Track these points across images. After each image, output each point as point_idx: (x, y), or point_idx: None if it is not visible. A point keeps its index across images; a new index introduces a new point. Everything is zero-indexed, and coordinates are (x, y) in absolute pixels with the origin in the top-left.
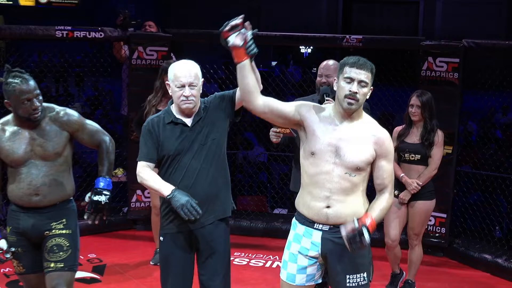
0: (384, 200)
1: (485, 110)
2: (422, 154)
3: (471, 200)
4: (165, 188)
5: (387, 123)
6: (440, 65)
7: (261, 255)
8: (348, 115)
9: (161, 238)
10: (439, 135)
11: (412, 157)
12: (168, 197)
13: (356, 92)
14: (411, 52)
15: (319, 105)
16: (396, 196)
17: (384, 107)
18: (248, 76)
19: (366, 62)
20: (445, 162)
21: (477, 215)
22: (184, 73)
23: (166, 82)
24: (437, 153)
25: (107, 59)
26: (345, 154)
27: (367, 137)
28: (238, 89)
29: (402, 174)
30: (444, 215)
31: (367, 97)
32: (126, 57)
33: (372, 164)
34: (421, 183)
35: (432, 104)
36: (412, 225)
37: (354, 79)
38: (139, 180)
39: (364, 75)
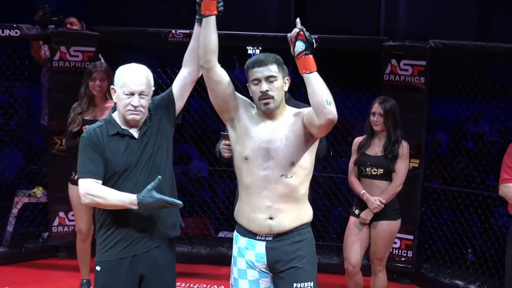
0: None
1: (455, 118)
2: (385, 168)
3: (441, 219)
4: (130, 197)
5: (346, 133)
6: (404, 68)
7: (205, 285)
8: (270, 115)
9: (98, 268)
10: (404, 147)
11: (374, 171)
12: (140, 202)
13: (267, 90)
14: (373, 54)
15: (248, 100)
16: (357, 216)
17: (342, 115)
18: (213, 32)
19: (267, 55)
20: (411, 177)
21: (448, 236)
22: (136, 80)
23: (112, 87)
24: (402, 167)
25: (23, 61)
26: (276, 153)
27: (294, 121)
28: (173, 86)
29: (363, 191)
30: (411, 237)
31: (285, 89)
32: (46, 59)
33: (307, 122)
34: (384, 201)
35: (396, 112)
36: (375, 249)
37: (260, 78)
38: (87, 201)
39: (268, 70)
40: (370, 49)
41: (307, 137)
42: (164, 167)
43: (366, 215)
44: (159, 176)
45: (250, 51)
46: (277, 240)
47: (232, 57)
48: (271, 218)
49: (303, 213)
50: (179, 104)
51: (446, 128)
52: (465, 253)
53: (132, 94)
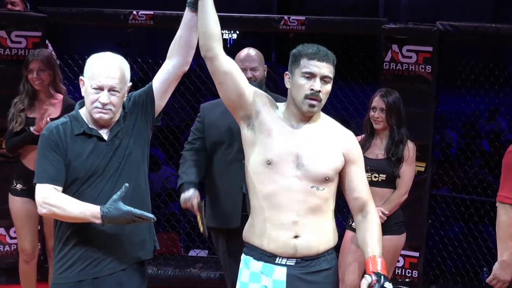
0: (374, 224)
1: (467, 114)
2: (388, 173)
3: (451, 233)
4: (92, 209)
5: None
6: (408, 55)
7: None
8: (307, 118)
9: None
10: (410, 149)
11: (375, 177)
12: (104, 215)
13: (319, 91)
14: (370, 38)
15: (268, 96)
16: (354, 230)
17: (335, 111)
18: (212, 14)
19: (328, 52)
20: (417, 183)
21: (459, 252)
22: (106, 72)
23: (81, 77)
24: (408, 172)
25: None
26: (309, 162)
27: (333, 140)
28: (154, 81)
29: None
30: (417, 254)
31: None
32: None
33: (341, 174)
34: (387, 212)
35: (401, 107)
36: None
37: (316, 74)
38: (44, 210)
39: (327, 69)
40: (367, 33)
41: (342, 162)
42: (136, 176)
43: None
44: (126, 184)
45: (225, 36)
46: (301, 266)
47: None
48: (296, 237)
49: (333, 233)
50: (160, 103)
51: (456, 125)
52: (480, 273)
53: (100, 89)
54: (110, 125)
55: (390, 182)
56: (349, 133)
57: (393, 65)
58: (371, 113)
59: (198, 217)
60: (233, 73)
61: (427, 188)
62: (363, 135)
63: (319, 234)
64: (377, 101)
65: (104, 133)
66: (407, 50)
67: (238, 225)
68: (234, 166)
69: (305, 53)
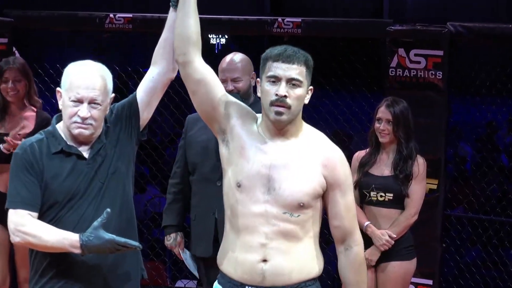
0: (357, 263)
1: (483, 125)
2: (396, 192)
3: (468, 257)
4: (71, 237)
5: (342, 147)
6: (416, 60)
7: None
8: (280, 130)
9: None
10: (420, 164)
11: (381, 196)
12: (83, 244)
13: (286, 96)
14: (374, 42)
15: (246, 108)
16: None
17: (336, 123)
18: (192, 15)
19: (297, 51)
20: (429, 202)
21: (477, 279)
22: (86, 82)
23: (57, 89)
24: (418, 190)
25: None
26: (281, 186)
27: (311, 159)
28: (138, 91)
29: (367, 223)
30: (430, 282)
31: (305, 101)
32: None
33: (324, 197)
34: (394, 236)
35: (409, 118)
36: None
37: (281, 77)
38: (18, 239)
39: (295, 71)
40: (370, 36)
41: (322, 185)
42: (121, 198)
43: (371, 254)
44: (108, 209)
45: (213, 41)
46: None
47: None
48: (264, 261)
49: (311, 262)
50: (146, 115)
51: (471, 137)
52: None
53: (80, 101)
54: (91, 142)
55: (398, 202)
56: (332, 150)
57: (399, 71)
58: (376, 125)
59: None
60: (207, 82)
61: (439, 208)
62: (367, 150)
63: (292, 261)
64: (382, 112)
65: (85, 151)
66: (415, 55)
67: (209, 254)
68: (208, 188)
69: (270, 55)
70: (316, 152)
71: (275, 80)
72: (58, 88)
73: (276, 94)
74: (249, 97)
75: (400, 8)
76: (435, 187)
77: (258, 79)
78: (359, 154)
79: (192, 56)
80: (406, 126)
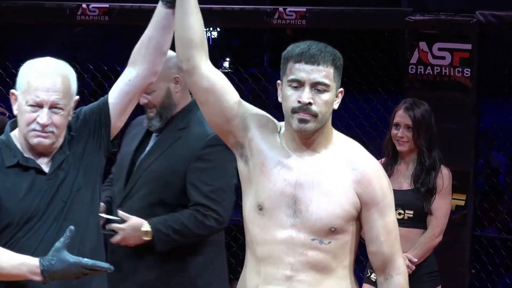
0: None
1: None
2: (417, 209)
3: (502, 285)
4: (29, 262)
5: None
6: (440, 55)
7: None
8: (306, 140)
9: None
10: (445, 176)
11: (400, 214)
12: (44, 269)
13: (311, 103)
14: (391, 35)
15: (266, 116)
16: (374, 284)
17: (347, 129)
18: (193, 13)
19: (323, 49)
20: (456, 221)
21: None
22: (46, 83)
23: (12, 91)
24: (443, 206)
25: None
26: (308, 208)
27: (342, 175)
28: (110, 94)
29: None
30: None
31: (335, 106)
32: None
33: (360, 219)
34: (415, 260)
35: (432, 123)
36: None
37: (304, 81)
38: None
39: (320, 73)
40: (386, 27)
41: (356, 206)
42: (86, 218)
43: None
44: (71, 227)
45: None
46: None
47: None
48: None
49: None
50: (118, 123)
51: (505, 145)
52: None
53: (39, 106)
54: (52, 153)
55: (420, 220)
56: (367, 162)
57: (421, 68)
58: (393, 131)
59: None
60: (217, 90)
61: (468, 227)
62: (383, 160)
63: None
64: (401, 116)
65: (44, 164)
66: (439, 49)
67: None
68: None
69: (292, 54)
70: (348, 166)
71: (298, 84)
72: (12, 90)
73: (299, 101)
74: (169, 108)
75: None
76: (462, 203)
77: (278, 81)
78: None
79: (197, 61)
80: (428, 133)
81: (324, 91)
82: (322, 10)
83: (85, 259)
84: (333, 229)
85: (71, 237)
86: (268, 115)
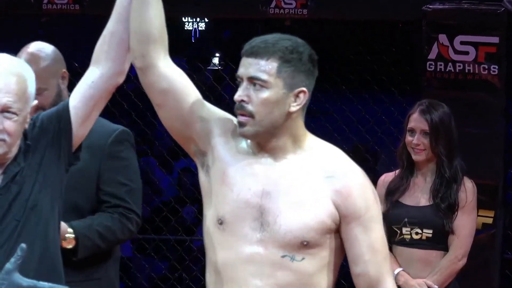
0: None
1: None
2: (436, 227)
3: None
4: None
5: (365, 168)
6: (462, 49)
7: None
8: (263, 146)
9: None
10: (469, 190)
11: (417, 234)
12: None
13: (244, 101)
14: (406, 27)
15: (231, 119)
16: None
17: (356, 135)
18: (153, 5)
19: (270, 40)
20: (482, 242)
21: None
22: None
23: None
24: (466, 224)
25: None
26: (276, 220)
27: (317, 181)
28: (72, 98)
29: (399, 269)
30: None
31: (291, 108)
32: None
33: (341, 234)
34: (436, 286)
35: (452, 128)
36: None
37: (242, 76)
38: None
39: (257, 66)
40: (400, 18)
41: (332, 217)
42: (43, 238)
43: None
44: (22, 245)
45: (188, 26)
46: None
47: None
48: None
49: None
50: (81, 131)
51: None
52: None
53: None
54: (5, 164)
55: (440, 241)
56: (347, 169)
57: (440, 65)
58: (408, 137)
59: None
60: (177, 91)
61: (497, 249)
62: (397, 171)
63: None
64: (416, 120)
65: None
66: (462, 43)
67: None
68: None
69: (242, 49)
70: (324, 173)
71: (240, 80)
72: None
73: (235, 100)
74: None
75: None
76: (490, 221)
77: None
78: (387, 178)
79: (154, 58)
80: (448, 139)
81: (262, 87)
82: (328, 0)
83: (42, 282)
84: (305, 243)
85: (23, 257)
86: (234, 118)
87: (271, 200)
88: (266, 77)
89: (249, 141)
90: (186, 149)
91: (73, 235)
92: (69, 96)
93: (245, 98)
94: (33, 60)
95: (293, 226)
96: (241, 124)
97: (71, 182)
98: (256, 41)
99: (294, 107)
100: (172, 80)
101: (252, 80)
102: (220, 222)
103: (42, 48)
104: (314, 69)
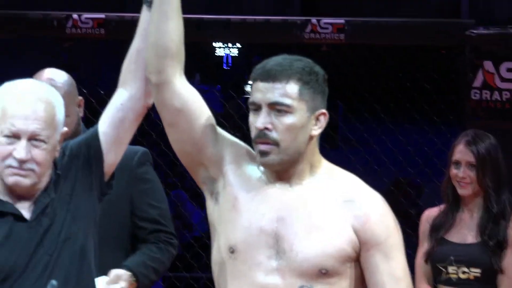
0: None
1: None
2: (485, 266)
3: None
4: None
5: (407, 202)
6: (509, 77)
7: None
8: (281, 175)
9: None
10: None
11: (464, 273)
12: None
13: (266, 128)
14: (449, 52)
15: (243, 147)
16: None
17: (397, 168)
18: (173, 17)
19: (283, 62)
20: None
21: None
22: (25, 110)
23: None
24: None
25: None
26: (293, 247)
27: (335, 206)
28: (100, 123)
29: None
30: None
31: (313, 132)
32: None
33: (361, 262)
34: None
35: (499, 160)
36: None
37: (259, 103)
38: None
39: (278, 91)
40: (443, 43)
41: (353, 244)
42: (77, 274)
43: None
44: (53, 281)
45: (219, 52)
46: None
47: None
48: None
49: None
50: (113, 157)
51: None
52: None
53: (16, 137)
54: (34, 195)
55: (489, 281)
56: (366, 194)
57: (486, 93)
58: (453, 170)
59: None
60: (191, 112)
61: None
62: (441, 206)
63: None
64: (461, 152)
65: (25, 209)
66: (508, 70)
67: None
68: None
69: (253, 74)
70: (342, 197)
71: (256, 107)
72: None
73: (256, 128)
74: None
75: (485, 4)
76: None
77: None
78: (431, 213)
79: (170, 75)
80: (496, 172)
81: (286, 112)
82: (364, 22)
83: None
84: (324, 271)
85: None
86: (246, 145)
87: (286, 226)
88: (290, 102)
89: (262, 168)
90: (193, 175)
91: (134, 278)
92: (79, 123)
93: (269, 126)
94: (62, 81)
95: (310, 253)
96: (264, 153)
97: (102, 210)
98: (269, 63)
99: (316, 131)
100: (186, 100)
101: (274, 106)
102: (232, 250)
103: (59, 74)
104: (326, 89)
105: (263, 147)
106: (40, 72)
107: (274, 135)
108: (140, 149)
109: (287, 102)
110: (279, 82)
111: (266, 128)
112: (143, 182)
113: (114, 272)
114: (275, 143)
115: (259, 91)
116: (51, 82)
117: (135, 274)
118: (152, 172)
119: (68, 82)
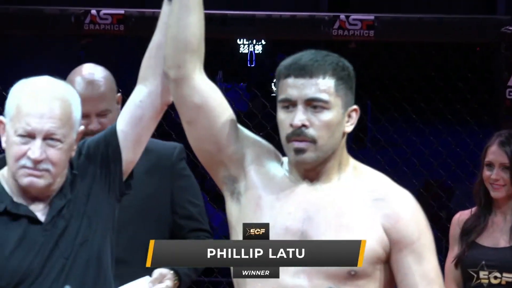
0: None
1: None
2: None
3: None
4: None
5: (437, 205)
6: None
7: None
8: (310, 173)
9: None
10: None
11: (497, 278)
12: None
13: (305, 125)
14: (484, 50)
15: (265, 145)
16: None
17: (428, 170)
18: (194, 11)
19: (317, 57)
20: None
21: None
22: (40, 108)
23: (0, 118)
24: None
25: None
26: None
27: (365, 205)
28: (119, 121)
29: None
30: None
31: (347, 129)
32: None
33: (390, 264)
34: None
35: None
36: None
37: (295, 99)
38: None
39: (314, 87)
40: (477, 40)
41: (383, 244)
42: (94, 279)
43: None
44: (67, 287)
45: (243, 49)
46: None
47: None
48: None
49: None
50: (131, 156)
51: None
52: None
53: (30, 136)
54: (49, 197)
55: None
56: (397, 192)
57: None
58: (486, 172)
59: None
60: (211, 109)
61: None
62: (473, 209)
63: None
64: (494, 153)
65: (39, 211)
66: None
67: None
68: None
69: (280, 68)
70: (372, 195)
71: (289, 104)
72: (0, 117)
73: (291, 125)
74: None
75: None
76: None
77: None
78: (462, 216)
79: (189, 69)
80: None
81: (323, 109)
82: (395, 18)
83: None
84: (353, 273)
85: None
86: (268, 144)
87: (314, 226)
88: (327, 97)
89: (287, 166)
90: (213, 175)
91: (176, 277)
92: None
93: (306, 123)
94: (97, 81)
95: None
96: (300, 151)
97: (143, 210)
98: (302, 59)
99: (348, 127)
100: (206, 96)
101: (311, 102)
102: None
103: (99, 69)
104: (354, 85)
105: (299, 144)
106: (79, 67)
107: (311, 132)
108: (176, 144)
109: (325, 98)
110: (316, 77)
111: (303, 125)
112: (182, 178)
113: (159, 271)
114: (313, 141)
115: (294, 87)
116: (98, 75)
117: (177, 273)
118: (188, 169)
119: (108, 77)
